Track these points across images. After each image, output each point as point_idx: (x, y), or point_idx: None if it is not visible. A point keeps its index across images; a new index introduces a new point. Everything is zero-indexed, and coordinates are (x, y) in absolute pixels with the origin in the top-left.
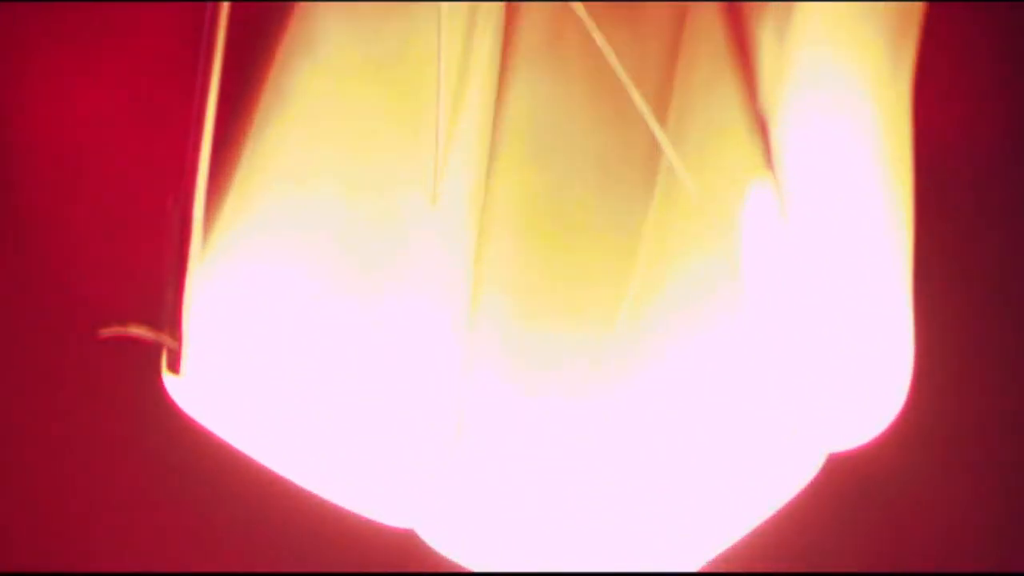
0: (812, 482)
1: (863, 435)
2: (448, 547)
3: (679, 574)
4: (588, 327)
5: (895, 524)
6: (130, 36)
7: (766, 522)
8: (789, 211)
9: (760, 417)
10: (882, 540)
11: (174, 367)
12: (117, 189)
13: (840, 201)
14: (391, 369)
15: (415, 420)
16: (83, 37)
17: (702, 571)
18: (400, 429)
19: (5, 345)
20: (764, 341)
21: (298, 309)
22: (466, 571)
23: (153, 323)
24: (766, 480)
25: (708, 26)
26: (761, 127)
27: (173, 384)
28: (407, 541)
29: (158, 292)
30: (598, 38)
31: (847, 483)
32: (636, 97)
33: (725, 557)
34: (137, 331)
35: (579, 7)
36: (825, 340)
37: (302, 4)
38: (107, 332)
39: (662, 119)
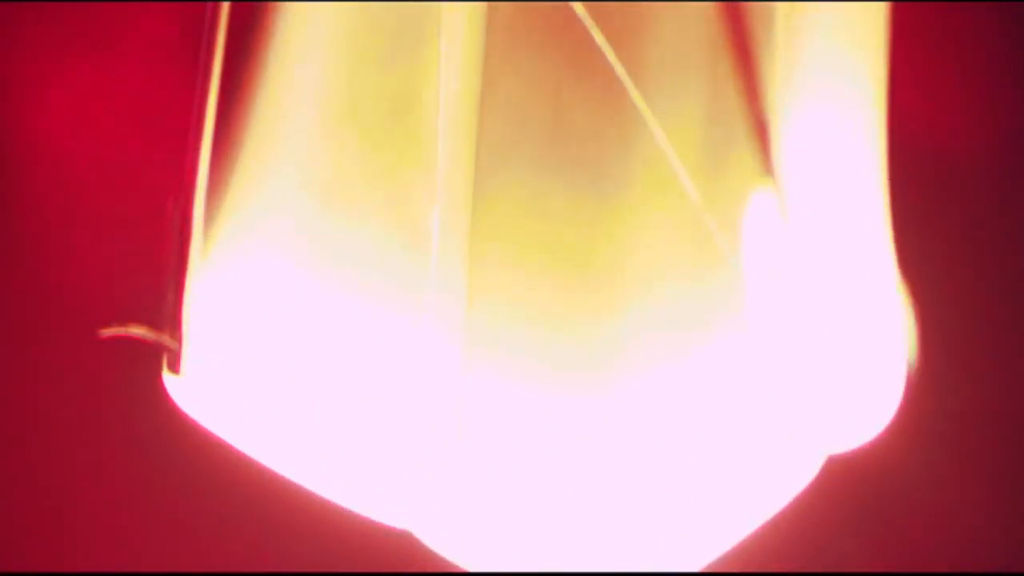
0: (812, 483)
1: (862, 436)
2: (447, 547)
3: (681, 574)
4: (586, 327)
5: (895, 524)
6: (130, 36)
7: (766, 523)
8: (789, 213)
9: (760, 418)
10: (882, 540)
11: (174, 367)
12: (117, 189)
13: (840, 203)
14: (391, 369)
15: (415, 420)
16: (83, 37)
17: (703, 571)
18: (400, 429)
19: (5, 345)
20: (764, 342)
21: (298, 309)
22: (465, 571)
23: (153, 323)
24: (766, 481)
25: (708, 26)
26: (761, 128)
27: (173, 384)
28: (407, 541)
29: (158, 292)
30: (598, 38)
31: (847, 484)
32: (636, 97)
33: (726, 557)
34: (137, 331)
35: (579, 7)
36: (825, 341)
37: (300, 4)
38: (107, 332)
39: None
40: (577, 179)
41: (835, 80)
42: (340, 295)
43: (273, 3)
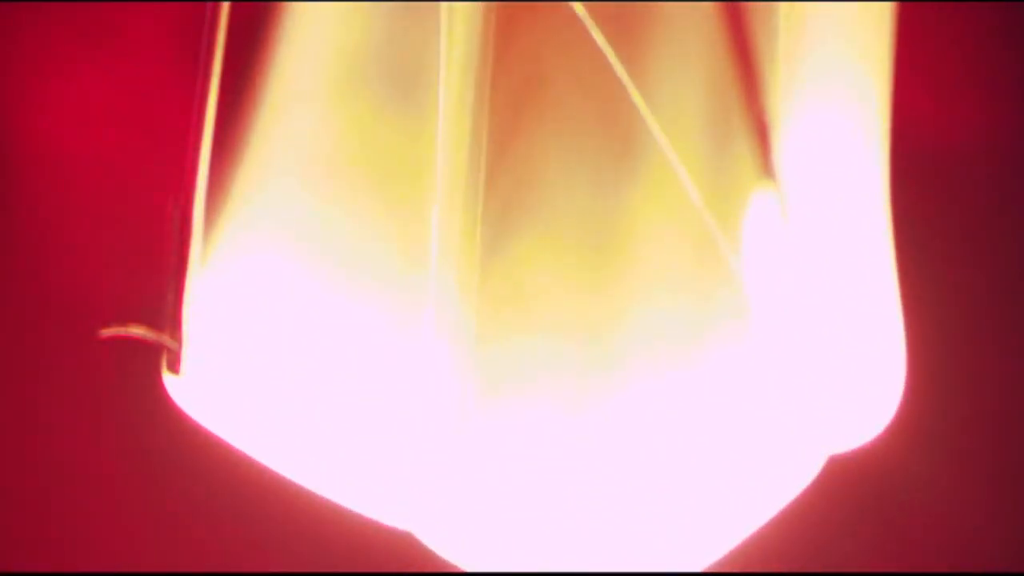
0: (812, 483)
1: (862, 436)
2: (447, 547)
3: (682, 574)
4: (591, 330)
5: (895, 524)
6: (130, 36)
7: (767, 523)
8: (790, 213)
9: (761, 418)
10: (882, 540)
11: (174, 367)
12: (117, 189)
13: (841, 204)
14: (390, 369)
15: (415, 420)
16: (83, 37)
17: (705, 571)
18: (400, 429)
19: (5, 345)
20: (765, 342)
21: (298, 309)
22: (465, 571)
23: (153, 323)
24: (767, 481)
25: (708, 26)
26: (762, 129)
27: (173, 384)
28: (407, 541)
29: (158, 292)
30: (598, 38)
31: (847, 484)
32: (636, 97)
33: (727, 557)
34: (137, 331)
35: (579, 7)
36: (825, 341)
37: (300, 4)
38: (107, 332)
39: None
40: (581, 185)
41: (837, 80)
42: (340, 295)
43: (278, 3)
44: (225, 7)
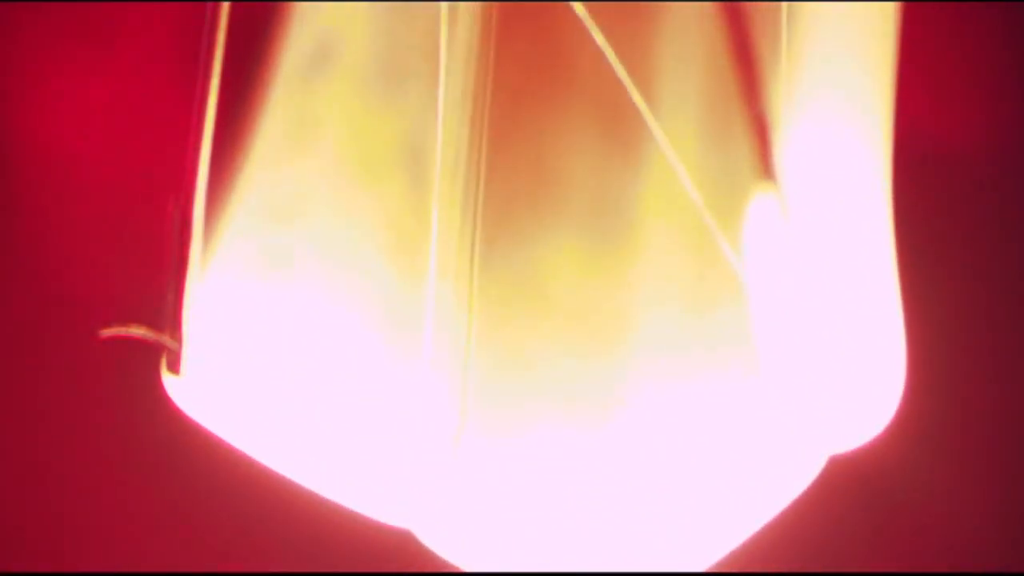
0: (813, 483)
1: (862, 436)
2: (447, 547)
3: (684, 574)
4: (586, 327)
5: (895, 524)
6: (130, 36)
7: (768, 523)
8: (790, 214)
9: (762, 419)
10: (883, 540)
11: (174, 368)
12: (117, 190)
13: (841, 204)
14: (391, 369)
15: (414, 420)
16: (83, 37)
17: (706, 571)
18: (399, 429)
19: (5, 345)
20: (765, 344)
21: (298, 310)
22: (465, 571)
23: (153, 324)
24: (769, 481)
25: (709, 27)
26: (762, 129)
27: (173, 384)
28: (406, 541)
29: (158, 292)
30: (598, 38)
31: (847, 484)
32: (636, 98)
33: (728, 557)
34: (137, 331)
35: (579, 7)
36: (826, 342)
37: (302, 4)
38: (107, 332)
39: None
40: (581, 186)
41: (839, 80)
42: (340, 295)
43: (279, 3)
44: (225, 7)
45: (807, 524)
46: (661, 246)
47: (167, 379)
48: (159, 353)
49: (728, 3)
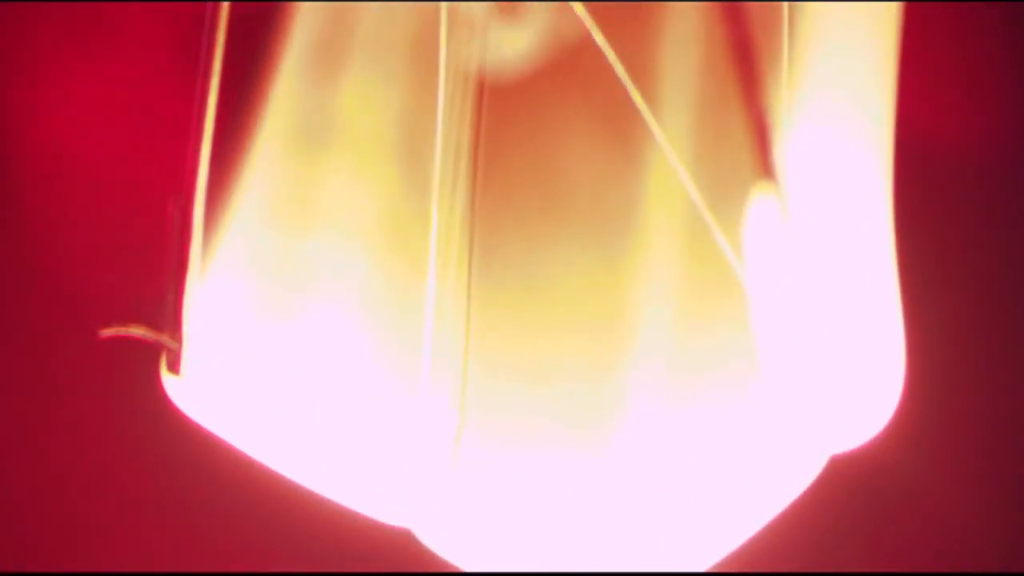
0: (813, 483)
1: (862, 436)
2: (447, 547)
3: (685, 574)
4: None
5: (895, 525)
6: (130, 36)
7: (768, 523)
8: (791, 214)
9: (762, 419)
10: (882, 541)
11: (174, 368)
12: (117, 189)
13: (842, 205)
14: (391, 369)
15: (414, 419)
16: (83, 37)
17: (707, 572)
18: (399, 428)
19: (5, 345)
20: (765, 344)
21: (298, 310)
22: (464, 572)
23: (153, 323)
24: (769, 481)
25: (708, 27)
26: (763, 130)
27: (172, 385)
28: (406, 541)
29: (158, 292)
30: (598, 38)
31: (847, 484)
32: (636, 97)
33: (728, 557)
34: (137, 331)
35: (579, 7)
36: (825, 342)
37: (306, 4)
38: (107, 332)
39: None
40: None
41: (841, 80)
42: (340, 295)
43: (281, 3)
44: (225, 7)
45: (807, 524)
46: (660, 246)
47: (167, 379)
48: (159, 353)
49: (729, 3)
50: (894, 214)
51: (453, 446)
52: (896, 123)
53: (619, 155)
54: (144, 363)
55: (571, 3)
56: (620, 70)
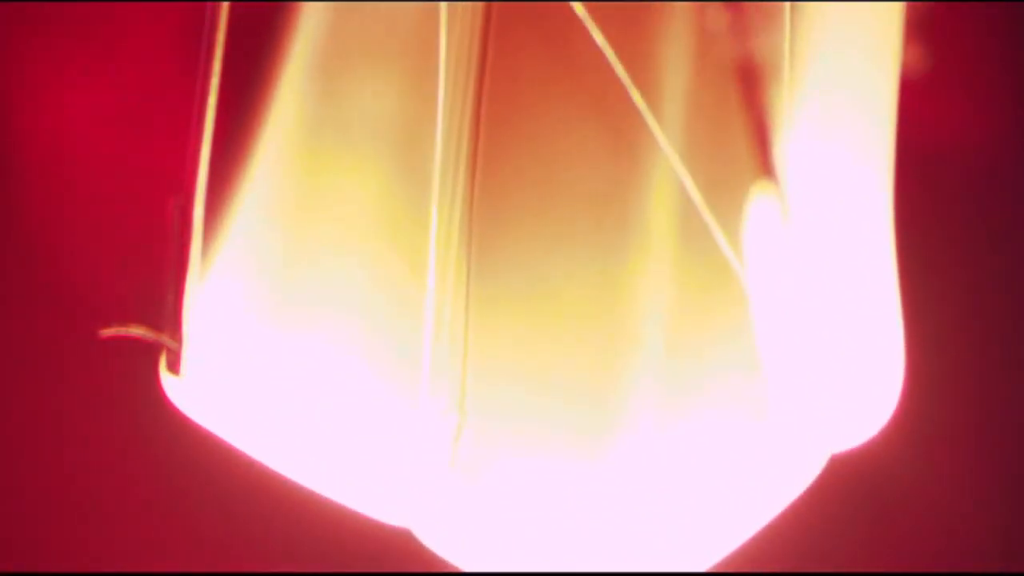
0: (813, 483)
1: (862, 436)
2: (447, 547)
3: (685, 574)
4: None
5: (895, 524)
6: (131, 36)
7: (768, 523)
8: (791, 214)
9: (763, 418)
10: (882, 540)
11: (174, 368)
12: (117, 189)
13: (842, 205)
14: (390, 369)
15: (414, 419)
16: (83, 37)
17: (707, 572)
18: (399, 428)
19: (5, 345)
20: (765, 344)
21: (298, 310)
22: (464, 572)
23: (153, 323)
24: (770, 481)
25: (710, 26)
26: (763, 129)
27: (172, 385)
28: (407, 541)
29: (158, 292)
30: (598, 38)
31: (847, 484)
32: (636, 97)
33: (728, 557)
34: (137, 332)
35: (579, 7)
36: (825, 342)
37: (310, 4)
38: (107, 332)
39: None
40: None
41: (843, 81)
42: (340, 295)
43: (283, 3)
44: (225, 7)
45: (807, 524)
46: (660, 246)
47: (167, 379)
48: (159, 353)
49: (730, 2)
50: (894, 214)
51: (453, 446)
52: (896, 123)
53: (619, 156)
54: (144, 363)
55: (571, 3)
56: (620, 70)
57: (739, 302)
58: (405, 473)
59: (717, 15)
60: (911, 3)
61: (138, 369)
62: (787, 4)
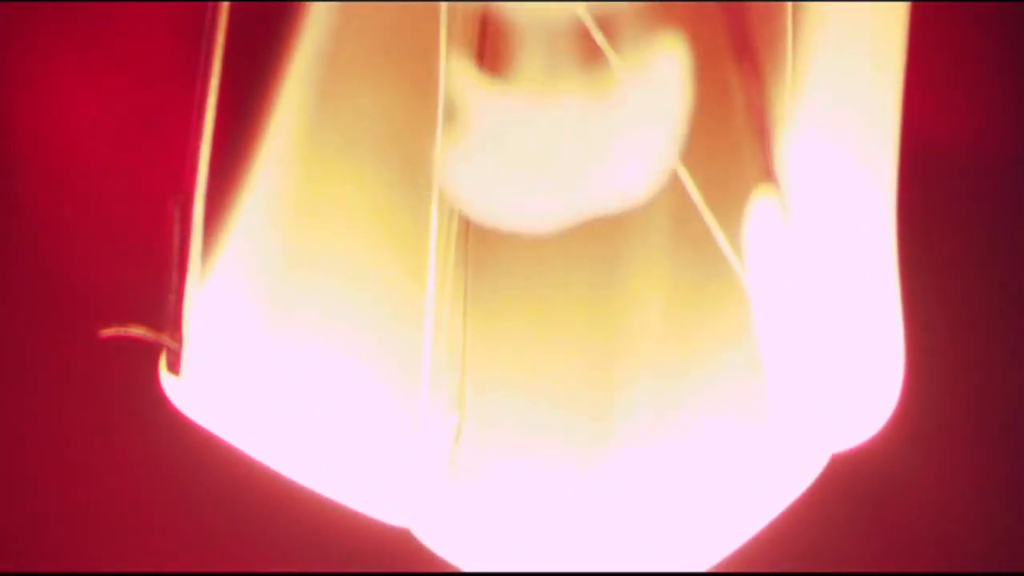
0: (813, 483)
1: (862, 435)
2: (447, 547)
3: (685, 574)
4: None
5: (897, 524)
6: (130, 36)
7: (768, 523)
8: (791, 215)
9: (763, 418)
10: (882, 540)
11: (174, 368)
12: (117, 190)
13: (843, 205)
14: (390, 369)
15: (413, 419)
16: (83, 37)
17: (707, 572)
18: (399, 428)
19: (5, 345)
20: (765, 344)
21: (298, 310)
22: (464, 572)
23: (153, 323)
24: (770, 481)
25: (709, 29)
26: (764, 130)
27: (172, 385)
28: (406, 541)
29: (158, 293)
30: (598, 38)
31: (846, 483)
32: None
33: (728, 557)
34: (138, 332)
35: (580, 7)
36: (825, 342)
37: (315, 4)
38: (108, 332)
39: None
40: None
41: (845, 81)
42: (341, 297)
43: (284, 3)
44: (225, 7)
45: (807, 524)
46: (660, 245)
47: (167, 379)
48: (159, 353)
49: (732, 2)
50: (895, 214)
51: (453, 445)
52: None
53: None
54: (144, 363)
55: (571, 3)
56: (620, 70)
57: (739, 302)
58: (405, 473)
59: (719, 14)
60: (913, 3)
61: (138, 369)
62: (789, 4)
